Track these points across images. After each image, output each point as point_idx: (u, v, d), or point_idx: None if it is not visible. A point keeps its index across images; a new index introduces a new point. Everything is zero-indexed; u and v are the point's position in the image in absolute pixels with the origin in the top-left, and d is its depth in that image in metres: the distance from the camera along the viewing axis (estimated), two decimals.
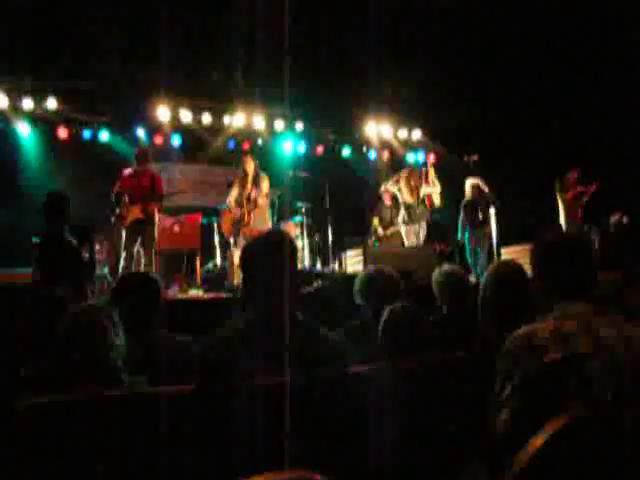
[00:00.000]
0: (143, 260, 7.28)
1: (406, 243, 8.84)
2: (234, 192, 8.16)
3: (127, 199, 7.19)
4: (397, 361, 2.62)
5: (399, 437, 2.35)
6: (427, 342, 2.73)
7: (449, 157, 10.95)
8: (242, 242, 7.84)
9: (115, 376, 2.28)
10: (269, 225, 8.13)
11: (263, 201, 8.02)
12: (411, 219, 8.92)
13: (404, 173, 9.13)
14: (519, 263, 3.12)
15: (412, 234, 8.89)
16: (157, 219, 7.34)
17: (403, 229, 8.98)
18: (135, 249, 7.24)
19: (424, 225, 8.95)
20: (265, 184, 8.06)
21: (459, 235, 9.03)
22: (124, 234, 7.23)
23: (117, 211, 7.26)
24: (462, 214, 8.97)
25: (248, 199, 8.02)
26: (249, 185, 8.08)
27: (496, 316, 2.94)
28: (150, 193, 7.24)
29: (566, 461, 1.48)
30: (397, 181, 9.06)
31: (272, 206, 8.35)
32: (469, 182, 8.78)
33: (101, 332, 2.33)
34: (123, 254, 7.13)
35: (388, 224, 9.48)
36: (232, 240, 8.22)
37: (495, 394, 2.08)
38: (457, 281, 3.66)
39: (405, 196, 8.96)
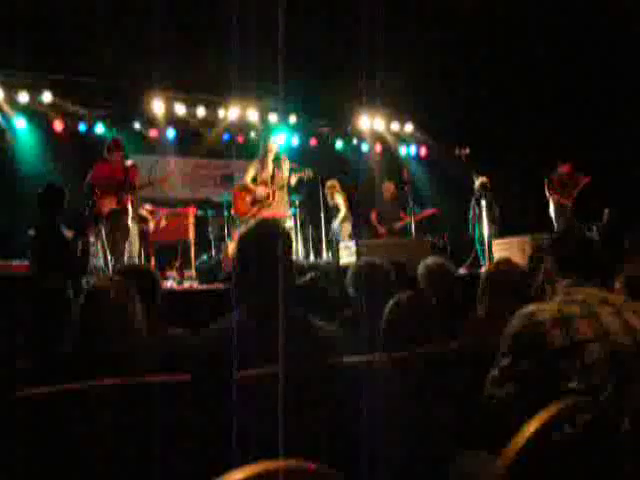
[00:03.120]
0: (126, 251, 7.16)
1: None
2: (251, 172, 7.93)
3: (99, 190, 7.06)
4: (397, 352, 2.56)
5: (396, 427, 2.33)
6: (434, 333, 2.68)
7: (441, 150, 11.02)
8: None
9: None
10: (288, 210, 8.08)
11: (285, 183, 7.96)
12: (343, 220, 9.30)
13: (331, 183, 9.54)
14: (515, 263, 3.23)
15: (346, 234, 9.23)
16: (130, 210, 7.22)
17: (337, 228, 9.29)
18: (109, 241, 7.08)
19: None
20: (286, 166, 7.98)
21: (469, 229, 9.24)
22: (103, 226, 7.10)
23: (90, 202, 7.10)
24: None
25: (272, 178, 7.86)
26: (270, 165, 7.92)
27: (488, 311, 3.01)
28: (123, 184, 7.13)
29: (562, 446, 1.49)
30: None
31: (294, 190, 8.38)
32: (478, 180, 8.92)
33: (124, 316, 2.26)
34: (105, 245, 7.01)
35: (391, 219, 9.57)
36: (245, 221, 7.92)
37: (496, 373, 2.12)
38: (442, 274, 3.65)
39: (338, 200, 9.36)
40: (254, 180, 7.91)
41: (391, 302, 2.77)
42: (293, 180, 8.06)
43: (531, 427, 1.45)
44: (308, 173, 8.10)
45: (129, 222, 7.22)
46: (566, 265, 2.31)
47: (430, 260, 3.76)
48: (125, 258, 7.10)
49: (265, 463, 1.21)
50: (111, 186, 7.10)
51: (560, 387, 1.93)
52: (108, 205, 7.06)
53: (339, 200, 9.50)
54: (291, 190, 8.38)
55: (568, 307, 2.09)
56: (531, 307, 2.13)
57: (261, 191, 7.83)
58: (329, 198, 9.45)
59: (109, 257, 7.04)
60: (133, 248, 7.43)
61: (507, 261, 3.28)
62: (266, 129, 10.33)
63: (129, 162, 7.64)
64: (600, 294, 2.16)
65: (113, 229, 7.10)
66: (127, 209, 7.17)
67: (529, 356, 2.04)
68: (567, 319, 2.04)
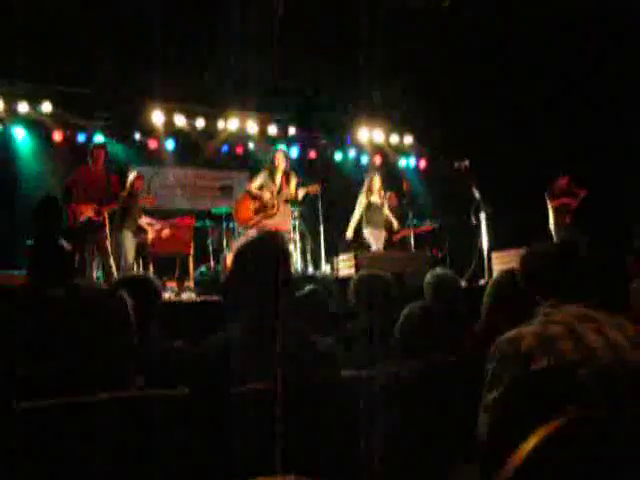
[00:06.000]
0: (105, 266, 7.01)
1: (373, 247, 8.80)
2: (258, 180, 7.96)
3: (77, 196, 6.93)
4: (410, 361, 2.60)
5: (394, 441, 2.35)
6: (446, 342, 2.71)
7: (440, 163, 11.02)
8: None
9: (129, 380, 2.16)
10: (289, 223, 8.08)
11: (291, 198, 7.98)
12: (374, 222, 8.94)
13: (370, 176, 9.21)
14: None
15: (376, 238, 8.92)
16: (108, 225, 7.07)
17: (367, 232, 8.95)
18: (88, 253, 6.95)
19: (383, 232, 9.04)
20: (294, 182, 8.02)
21: None
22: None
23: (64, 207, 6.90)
24: None
25: (279, 191, 7.91)
26: (279, 178, 7.97)
27: (496, 322, 2.94)
28: (105, 194, 7.01)
29: (556, 466, 1.45)
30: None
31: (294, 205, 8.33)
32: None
33: (120, 325, 2.20)
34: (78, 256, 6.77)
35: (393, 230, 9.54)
36: (247, 230, 7.97)
37: (488, 402, 2.09)
38: (448, 285, 3.68)
39: (372, 197, 8.98)
40: (259, 188, 7.93)
41: (404, 311, 2.78)
42: (300, 194, 8.08)
43: (527, 447, 1.42)
44: (315, 188, 8.12)
45: (108, 239, 7.05)
46: (542, 291, 2.29)
47: (438, 271, 3.80)
48: (113, 271, 7.00)
49: (265, 479, 1.22)
50: (90, 194, 6.95)
51: (550, 409, 1.87)
52: (84, 214, 6.90)
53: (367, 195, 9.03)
54: (294, 204, 8.41)
55: (549, 329, 2.07)
56: (513, 332, 2.11)
57: (268, 197, 7.84)
58: (376, 196, 9.02)
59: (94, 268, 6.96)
60: (128, 259, 7.40)
61: (513, 270, 3.25)
62: (276, 141, 10.38)
63: (133, 174, 7.61)
64: (580, 311, 2.14)
65: (90, 242, 6.93)
66: (105, 224, 7.00)
67: (517, 382, 2.02)
68: (550, 341, 2.02)
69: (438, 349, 2.64)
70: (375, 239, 8.88)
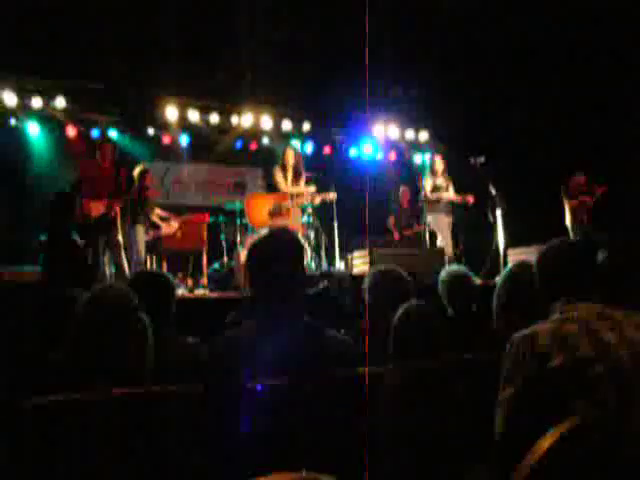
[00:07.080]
0: (117, 262, 6.96)
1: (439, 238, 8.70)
2: (280, 179, 7.95)
3: (86, 191, 6.82)
4: (406, 362, 2.57)
5: (407, 438, 2.34)
6: (441, 343, 2.69)
7: (456, 159, 10.95)
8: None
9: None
10: (301, 224, 8.07)
11: (303, 201, 8.00)
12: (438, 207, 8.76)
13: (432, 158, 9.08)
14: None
15: (444, 225, 8.74)
16: (119, 222, 7.02)
17: (431, 218, 8.76)
18: (101, 249, 6.86)
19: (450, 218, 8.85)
20: (303, 180, 8.04)
21: None
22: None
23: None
24: None
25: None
26: (290, 175, 7.99)
27: (511, 317, 2.93)
28: (115, 189, 6.94)
29: (572, 464, 1.47)
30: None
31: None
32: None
33: (137, 345, 2.24)
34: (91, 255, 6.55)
35: (405, 226, 9.52)
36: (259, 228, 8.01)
37: (504, 400, 2.07)
38: (463, 282, 3.64)
39: (437, 181, 8.79)
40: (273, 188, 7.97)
41: (399, 311, 2.74)
42: (317, 200, 8.04)
43: (544, 444, 1.43)
44: (332, 196, 8.10)
45: (119, 234, 7.01)
46: (558, 289, 2.26)
47: (453, 268, 3.77)
48: (125, 267, 6.99)
49: (280, 475, 1.23)
50: (99, 189, 6.89)
51: (565, 407, 1.90)
52: (95, 210, 6.81)
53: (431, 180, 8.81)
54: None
55: (566, 326, 2.05)
56: (529, 329, 2.09)
57: (282, 199, 7.87)
58: (441, 179, 8.82)
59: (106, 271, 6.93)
60: (141, 254, 7.39)
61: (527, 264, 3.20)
62: (287, 137, 10.41)
63: (139, 168, 7.59)
64: (596, 309, 2.11)
65: (102, 238, 6.86)
66: (116, 220, 6.96)
67: (533, 380, 2.00)
68: (565, 339, 2.00)
69: (433, 349, 2.61)
70: (440, 225, 8.73)
